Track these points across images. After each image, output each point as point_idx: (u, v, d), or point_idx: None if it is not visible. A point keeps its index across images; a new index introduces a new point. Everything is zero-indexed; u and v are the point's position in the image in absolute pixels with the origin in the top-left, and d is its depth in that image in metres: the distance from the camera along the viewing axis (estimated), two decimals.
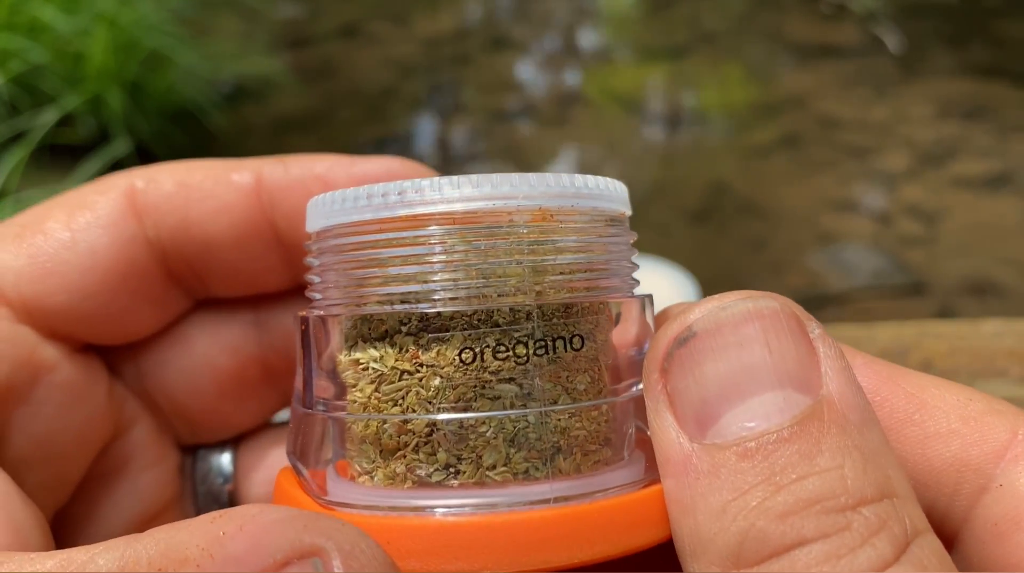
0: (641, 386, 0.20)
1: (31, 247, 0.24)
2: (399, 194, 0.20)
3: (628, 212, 0.23)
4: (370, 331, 0.21)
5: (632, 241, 0.23)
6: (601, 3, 2.78)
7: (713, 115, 2.13)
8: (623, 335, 0.22)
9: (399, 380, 0.20)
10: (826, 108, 2.05)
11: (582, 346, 0.21)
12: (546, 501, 0.19)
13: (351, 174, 0.27)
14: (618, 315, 0.23)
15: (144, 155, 1.64)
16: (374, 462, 0.21)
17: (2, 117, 1.56)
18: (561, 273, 0.20)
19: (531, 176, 0.20)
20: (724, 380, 0.18)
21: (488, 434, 0.20)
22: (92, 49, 1.68)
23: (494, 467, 0.20)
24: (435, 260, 0.20)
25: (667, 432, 0.19)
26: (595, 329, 0.21)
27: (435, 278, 0.20)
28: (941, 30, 2.44)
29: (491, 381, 0.20)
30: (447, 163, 1.90)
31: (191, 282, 0.27)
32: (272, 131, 2.01)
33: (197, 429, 0.29)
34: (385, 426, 0.20)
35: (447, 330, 0.20)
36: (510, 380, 0.20)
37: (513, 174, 0.20)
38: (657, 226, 1.62)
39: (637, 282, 0.23)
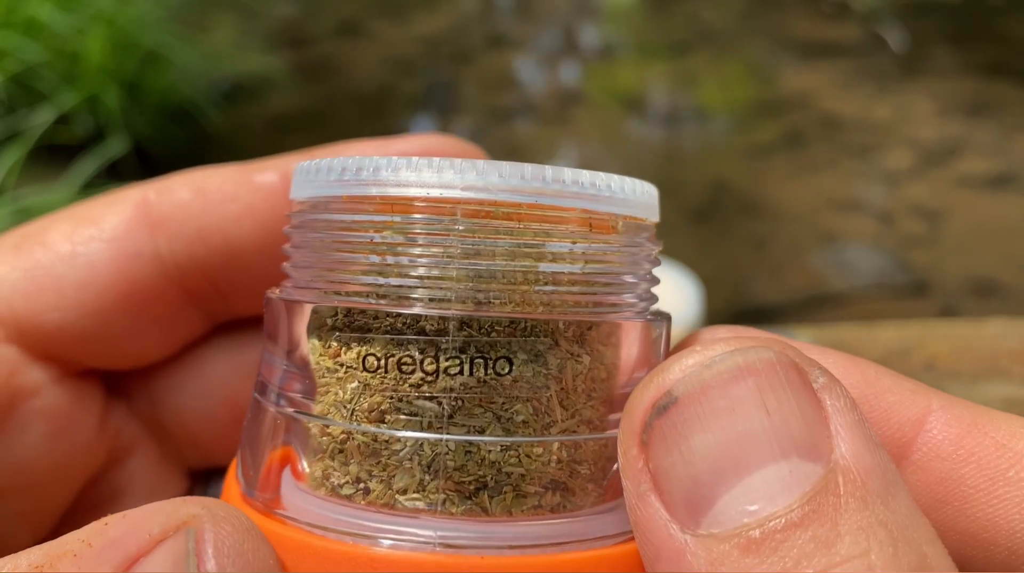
0: None
1: (28, 260, 0.23)
2: (341, 171, 0.18)
3: (636, 215, 0.19)
4: (311, 321, 0.19)
5: (643, 253, 0.20)
6: (602, 0, 2.77)
7: (714, 113, 2.12)
8: (616, 362, 0.19)
9: (321, 377, 0.18)
10: (828, 107, 2.04)
11: (509, 370, 0.17)
12: (431, 544, 0.17)
13: (386, 156, 0.25)
14: (609, 337, 0.19)
15: (141, 154, 1.63)
16: (305, 461, 0.19)
17: None
18: (512, 282, 0.17)
19: (481, 163, 0.17)
20: (716, 454, 0.15)
21: (402, 454, 0.17)
22: (89, 48, 1.67)
23: (405, 492, 0.17)
24: (366, 251, 0.18)
25: (654, 520, 0.15)
26: (548, 351, 0.18)
27: (364, 272, 0.18)
28: (944, 28, 2.43)
29: (410, 395, 0.17)
30: None
31: (211, 300, 0.25)
32: (270, 130, 2.00)
33: (209, 455, 0.27)
34: (310, 425, 0.19)
35: (369, 330, 0.18)
36: (432, 398, 0.17)
37: (462, 159, 0.17)
38: (658, 225, 1.61)
39: (642, 301, 0.20)
